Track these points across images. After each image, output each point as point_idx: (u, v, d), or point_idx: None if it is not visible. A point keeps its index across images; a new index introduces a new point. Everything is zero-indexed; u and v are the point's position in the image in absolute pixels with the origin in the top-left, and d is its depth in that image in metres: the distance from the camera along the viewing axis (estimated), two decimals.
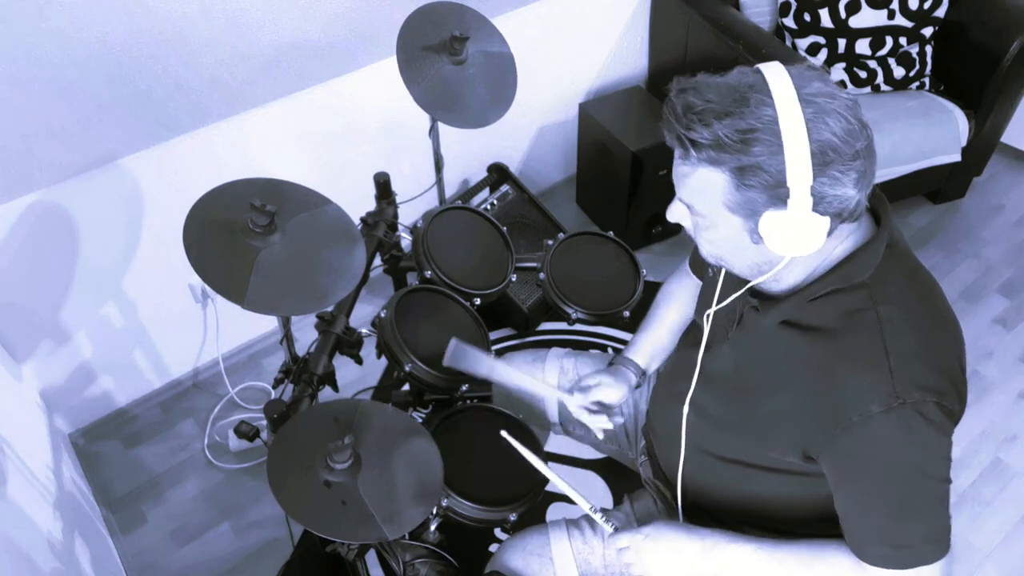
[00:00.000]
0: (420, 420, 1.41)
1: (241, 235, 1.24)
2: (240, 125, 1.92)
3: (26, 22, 1.47)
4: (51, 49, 1.53)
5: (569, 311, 1.62)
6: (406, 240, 1.71)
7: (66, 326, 1.93)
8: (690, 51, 2.49)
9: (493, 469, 1.37)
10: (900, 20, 2.34)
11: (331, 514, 1.12)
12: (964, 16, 2.40)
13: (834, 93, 0.85)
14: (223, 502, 1.99)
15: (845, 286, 0.93)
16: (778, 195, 0.84)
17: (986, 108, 2.41)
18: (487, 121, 1.68)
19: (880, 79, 2.41)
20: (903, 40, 2.37)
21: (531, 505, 1.36)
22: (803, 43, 2.40)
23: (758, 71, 0.86)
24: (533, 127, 2.63)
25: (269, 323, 2.31)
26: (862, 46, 2.36)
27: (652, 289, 1.46)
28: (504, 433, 1.19)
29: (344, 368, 1.63)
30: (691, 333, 1.25)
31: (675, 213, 0.98)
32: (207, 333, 2.21)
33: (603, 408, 1.30)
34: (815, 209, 0.84)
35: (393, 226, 1.79)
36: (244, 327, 2.29)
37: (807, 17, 2.36)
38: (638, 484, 1.39)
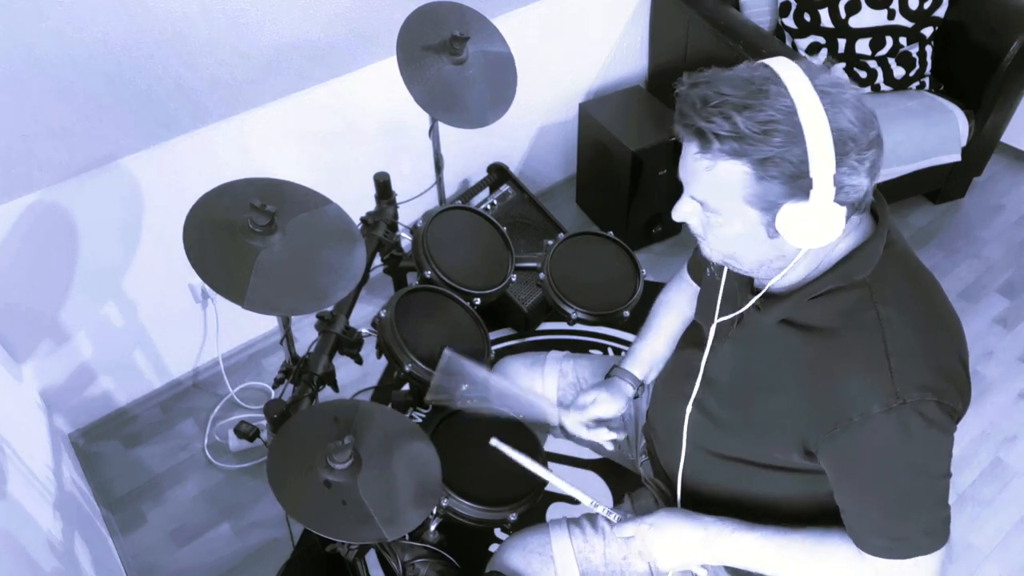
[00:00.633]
0: (420, 420, 1.41)
1: (241, 235, 1.24)
2: (240, 125, 1.92)
3: (26, 22, 1.47)
4: (51, 49, 1.53)
5: (569, 311, 1.62)
6: (406, 240, 1.71)
7: (66, 326, 1.93)
8: (690, 51, 2.49)
9: (493, 469, 1.36)
10: (900, 20, 2.34)
11: (331, 514, 1.12)
12: (964, 16, 2.40)
13: (844, 84, 0.85)
14: (223, 502, 1.99)
15: (844, 284, 0.93)
16: (800, 186, 0.84)
17: (986, 108, 2.41)
18: (487, 121, 1.68)
19: (880, 79, 2.41)
20: (903, 40, 2.37)
21: (531, 505, 1.36)
22: (803, 43, 2.40)
23: (766, 65, 0.86)
24: (533, 127, 2.63)
25: (269, 323, 2.31)
26: (862, 46, 2.36)
27: (652, 289, 1.46)
28: (494, 441, 1.19)
29: (344, 368, 1.63)
30: (691, 333, 1.25)
31: (682, 212, 0.95)
32: (207, 333, 2.21)
33: (602, 422, 1.30)
34: (835, 199, 0.84)
35: (393, 226, 1.79)
36: (244, 327, 2.29)
37: (807, 17, 2.36)
38: (638, 484, 1.39)
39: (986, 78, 2.36)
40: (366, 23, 1.96)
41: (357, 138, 2.18)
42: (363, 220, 1.76)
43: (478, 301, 1.60)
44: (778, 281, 0.98)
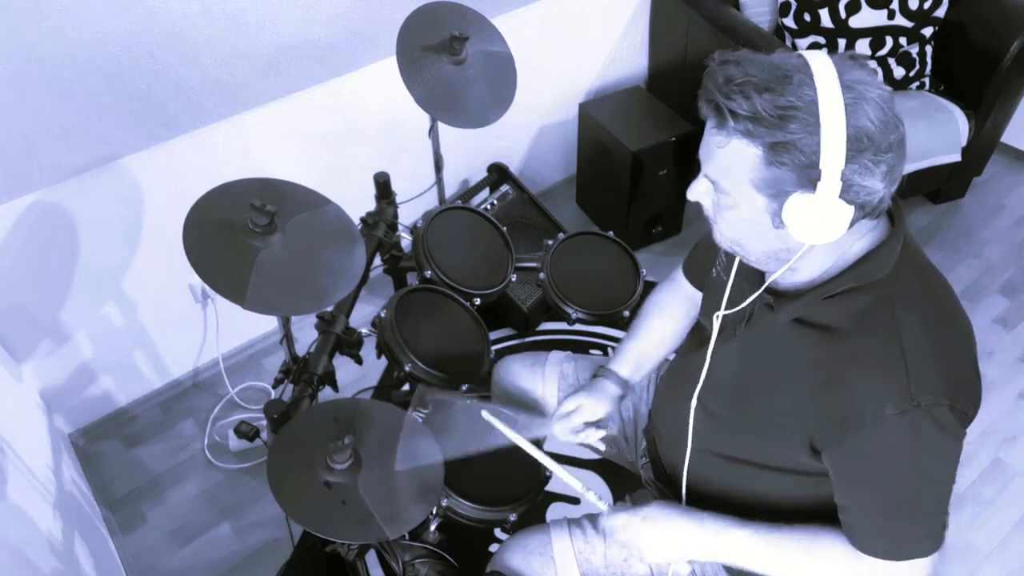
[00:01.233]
0: (420, 420, 1.41)
1: (241, 235, 1.24)
2: (240, 125, 1.92)
3: (26, 22, 1.47)
4: (51, 49, 1.53)
5: (569, 311, 1.62)
6: (406, 240, 1.71)
7: (66, 326, 1.93)
8: (690, 51, 2.49)
9: (493, 469, 1.36)
10: (900, 20, 2.34)
11: (331, 514, 1.12)
12: (964, 16, 2.40)
13: (874, 83, 0.85)
14: (223, 502, 1.99)
15: (860, 285, 0.92)
16: (808, 177, 0.83)
17: (986, 108, 2.41)
18: (487, 121, 1.68)
19: (880, 79, 2.41)
20: (903, 40, 2.37)
21: (531, 505, 1.36)
22: (803, 43, 2.40)
23: (800, 55, 0.86)
24: (533, 127, 2.63)
25: (269, 323, 2.31)
26: (862, 46, 2.36)
27: (652, 289, 1.46)
28: (485, 413, 1.19)
29: (344, 368, 1.63)
30: (696, 334, 1.25)
31: (697, 191, 0.95)
32: (207, 333, 2.21)
33: (589, 424, 1.30)
34: (842, 196, 0.83)
35: (393, 226, 1.79)
36: (244, 327, 2.29)
37: (807, 17, 2.36)
38: (639, 484, 1.38)
39: (986, 78, 2.36)
40: (366, 23, 1.96)
41: (357, 138, 2.18)
42: (363, 220, 1.76)
43: (478, 301, 1.60)
44: (792, 279, 0.97)
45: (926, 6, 2.34)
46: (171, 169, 1.86)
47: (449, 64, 1.63)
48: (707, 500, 1.17)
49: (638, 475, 1.40)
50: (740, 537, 1.05)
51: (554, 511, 1.84)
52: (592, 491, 1.18)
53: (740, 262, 1.06)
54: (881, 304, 0.91)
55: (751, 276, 1.03)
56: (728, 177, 0.89)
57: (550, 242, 1.71)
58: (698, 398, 1.13)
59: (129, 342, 2.08)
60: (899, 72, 2.40)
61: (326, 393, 1.53)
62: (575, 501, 1.88)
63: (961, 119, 2.36)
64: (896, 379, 0.88)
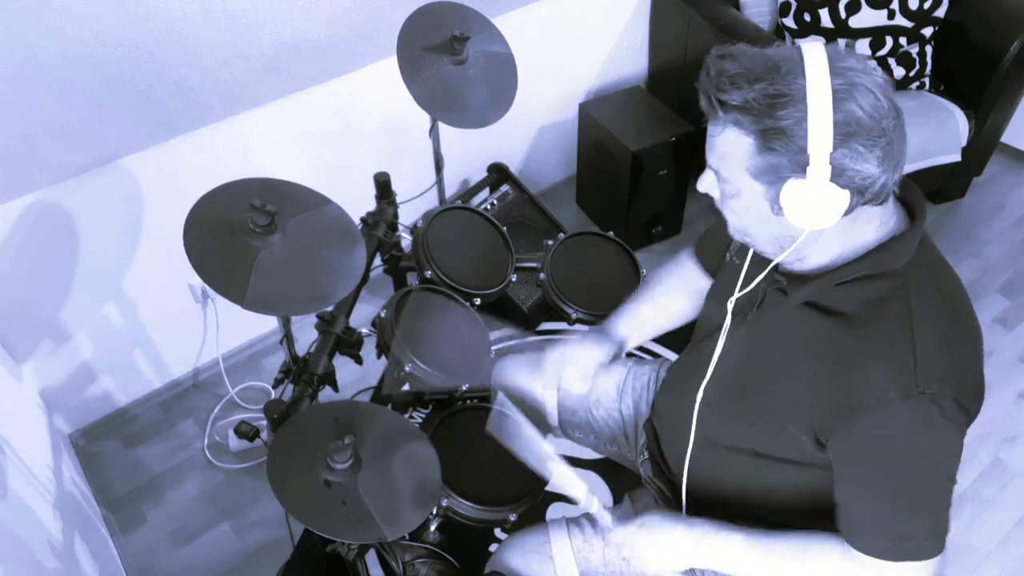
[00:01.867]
0: (420, 420, 1.41)
1: (241, 235, 1.24)
2: (240, 125, 1.92)
3: (26, 22, 1.47)
4: (51, 49, 1.53)
5: (569, 311, 1.63)
6: (406, 240, 1.71)
7: (66, 326, 1.93)
8: (690, 51, 2.49)
9: (493, 469, 1.37)
10: (900, 20, 2.34)
11: (331, 514, 1.12)
12: (964, 16, 2.40)
13: (867, 70, 0.85)
14: (223, 502, 1.99)
15: (876, 273, 0.93)
16: (799, 162, 0.84)
17: (986, 108, 2.41)
18: (487, 121, 1.68)
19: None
20: (903, 40, 2.37)
21: (531, 505, 1.36)
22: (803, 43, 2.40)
23: (797, 47, 0.87)
24: (533, 127, 2.63)
25: (269, 323, 2.31)
26: (862, 46, 2.36)
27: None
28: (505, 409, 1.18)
29: (344, 368, 1.63)
30: (705, 322, 1.23)
31: (704, 182, 0.98)
32: (207, 333, 2.21)
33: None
34: (835, 181, 0.84)
35: (393, 226, 1.79)
36: (244, 327, 2.29)
37: (807, 17, 2.36)
38: (638, 483, 1.38)
39: (986, 78, 2.36)
40: (366, 23, 1.96)
41: (357, 138, 2.18)
42: (363, 220, 1.76)
43: (478, 301, 1.60)
44: (800, 263, 0.97)
45: (926, 6, 2.34)
46: (171, 169, 1.86)
47: (449, 64, 1.63)
48: (707, 494, 1.17)
49: (638, 473, 1.40)
50: (733, 542, 1.05)
51: (554, 511, 1.84)
52: (596, 498, 1.17)
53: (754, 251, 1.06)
54: (896, 292, 0.91)
55: (765, 263, 1.03)
56: (727, 166, 0.91)
57: (550, 242, 1.71)
58: (705, 386, 1.12)
59: (129, 342, 2.08)
60: (899, 72, 2.41)
61: (326, 393, 1.53)
62: (575, 501, 1.88)
63: (961, 119, 2.36)
64: (903, 365, 0.88)
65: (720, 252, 1.20)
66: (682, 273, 1.34)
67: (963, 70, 2.43)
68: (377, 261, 1.76)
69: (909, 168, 2.36)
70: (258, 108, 1.93)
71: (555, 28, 2.41)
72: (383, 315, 1.47)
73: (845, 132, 0.82)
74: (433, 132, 1.84)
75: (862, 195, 0.87)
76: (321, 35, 1.90)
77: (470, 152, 2.45)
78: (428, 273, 1.56)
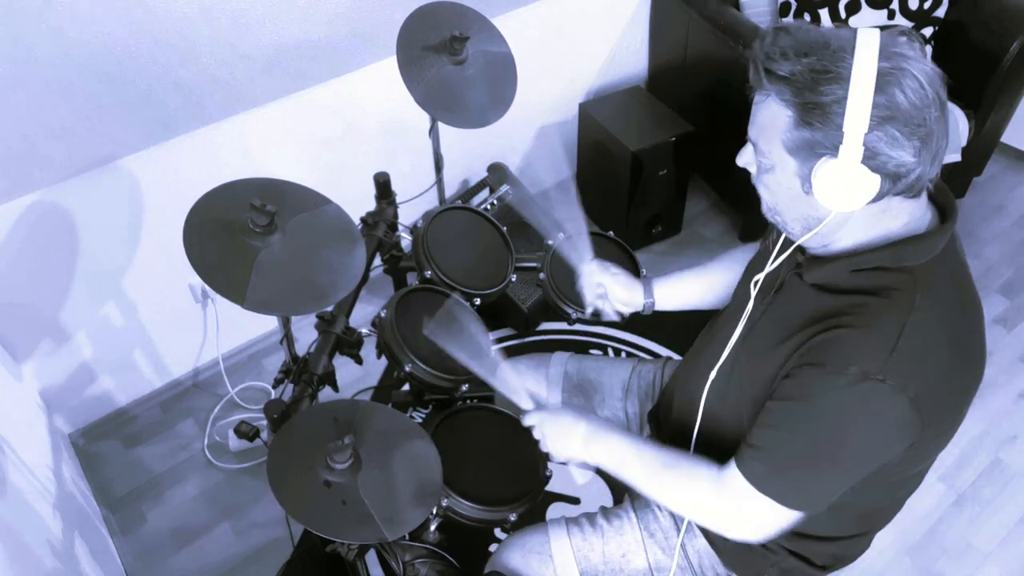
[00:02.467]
0: (420, 420, 1.41)
1: (241, 235, 1.24)
2: (240, 125, 1.92)
3: (26, 22, 1.47)
4: (51, 49, 1.53)
5: (569, 311, 1.62)
6: (406, 240, 1.71)
7: (66, 326, 1.93)
8: (690, 51, 2.49)
9: (493, 469, 1.37)
10: (900, 20, 2.34)
11: (331, 514, 1.12)
12: (964, 16, 2.40)
13: (919, 57, 0.86)
14: (223, 502, 1.99)
15: (892, 266, 0.92)
16: (834, 140, 0.84)
17: (986, 108, 2.41)
18: (487, 121, 1.68)
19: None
20: None
21: (531, 505, 1.36)
22: None
23: (855, 29, 0.87)
24: (533, 127, 2.63)
25: (269, 323, 2.31)
26: None
27: None
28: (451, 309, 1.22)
29: (344, 368, 1.63)
30: (728, 308, 1.21)
31: (744, 156, 0.98)
32: (207, 333, 2.21)
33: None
34: (867, 163, 0.84)
35: (393, 226, 1.79)
36: (244, 327, 2.29)
37: (807, 17, 2.36)
38: None
39: (986, 78, 2.36)
40: (366, 23, 1.96)
41: (357, 138, 2.18)
42: (363, 220, 1.76)
43: (478, 301, 1.60)
44: (824, 249, 0.97)
45: (926, 6, 2.34)
46: (171, 169, 1.86)
47: (449, 64, 1.63)
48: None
49: None
50: (615, 443, 1.11)
51: (554, 511, 1.84)
52: (527, 392, 1.24)
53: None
54: (907, 286, 0.90)
55: (791, 241, 1.03)
56: (764, 138, 0.91)
57: (550, 242, 1.70)
58: (719, 367, 1.11)
59: (129, 342, 2.08)
60: None
61: (326, 393, 1.53)
62: (575, 501, 1.88)
63: (961, 119, 2.36)
64: (880, 348, 0.87)
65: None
66: (739, 256, 1.33)
67: (963, 70, 2.43)
68: (377, 261, 1.76)
69: None
70: (258, 108, 1.93)
71: (555, 28, 2.41)
72: (383, 315, 1.46)
73: (884, 115, 0.82)
74: (433, 132, 1.84)
75: (894, 183, 0.86)
76: (321, 35, 1.90)
77: (470, 152, 2.45)
78: (428, 273, 1.56)
